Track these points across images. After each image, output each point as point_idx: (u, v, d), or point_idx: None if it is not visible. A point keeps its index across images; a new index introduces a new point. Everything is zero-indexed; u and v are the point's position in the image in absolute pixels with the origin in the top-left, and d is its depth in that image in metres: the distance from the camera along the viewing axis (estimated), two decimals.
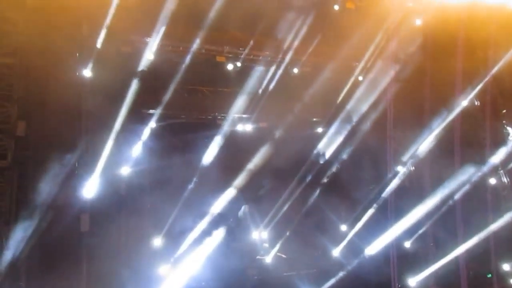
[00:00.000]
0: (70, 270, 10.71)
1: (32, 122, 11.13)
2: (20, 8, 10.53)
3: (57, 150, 11.10)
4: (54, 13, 11.85)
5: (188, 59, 13.52)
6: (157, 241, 13.00)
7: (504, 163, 15.24)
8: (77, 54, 12.33)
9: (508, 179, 15.24)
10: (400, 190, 15.87)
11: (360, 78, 16.10)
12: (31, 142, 11.00)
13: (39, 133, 11.23)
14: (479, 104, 16.29)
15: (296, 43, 14.61)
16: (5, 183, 10.53)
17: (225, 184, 13.91)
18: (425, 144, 15.34)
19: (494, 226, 13.68)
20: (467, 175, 14.25)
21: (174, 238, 13.03)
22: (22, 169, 10.86)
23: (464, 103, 15.43)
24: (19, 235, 10.20)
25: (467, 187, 14.33)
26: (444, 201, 14.56)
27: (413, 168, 16.18)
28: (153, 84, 13.65)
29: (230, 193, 13.82)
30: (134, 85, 12.62)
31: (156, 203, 13.29)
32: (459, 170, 14.37)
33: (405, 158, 16.08)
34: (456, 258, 14.16)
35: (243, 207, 14.25)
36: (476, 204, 14.04)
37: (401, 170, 16.09)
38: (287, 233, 14.64)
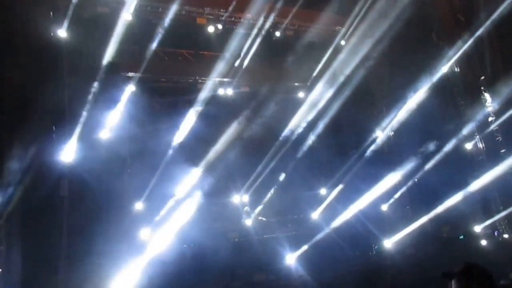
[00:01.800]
0: (51, 235, 10.69)
1: (6, 85, 10.76)
2: None
3: (34, 113, 10.82)
4: None
5: (167, 20, 13.11)
6: (138, 205, 13.06)
7: (480, 129, 15.56)
8: (51, 14, 11.84)
9: (483, 145, 15.62)
10: (379, 155, 16.18)
11: (343, 42, 16.02)
12: (6, 106, 10.68)
13: (14, 97, 10.90)
14: (458, 70, 16.44)
15: (278, 6, 14.32)
16: None
17: (205, 148, 13.91)
18: (404, 109, 15.52)
19: (468, 190, 14.12)
20: (443, 140, 14.56)
21: (155, 202, 13.08)
22: None
23: (444, 69, 15.54)
24: None
25: (443, 152, 14.65)
26: (420, 166, 14.91)
27: (392, 133, 16.46)
28: (132, 46, 13.32)
29: (210, 157, 13.85)
30: (112, 47, 12.24)
31: (137, 168, 13.26)
32: (436, 135, 14.65)
33: (384, 123, 16.31)
34: (431, 221, 14.68)
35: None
36: (452, 169, 14.40)
37: (380, 135, 16.37)
38: (268, 197, 14.88)
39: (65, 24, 11.73)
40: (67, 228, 10.63)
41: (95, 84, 11.96)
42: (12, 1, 11.11)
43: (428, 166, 14.68)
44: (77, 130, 11.52)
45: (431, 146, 14.64)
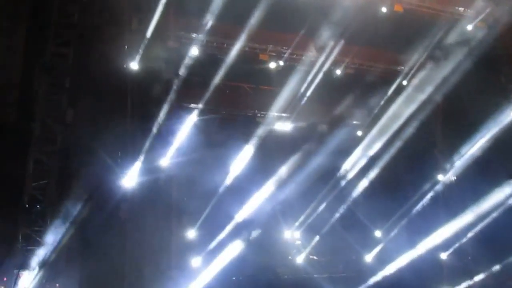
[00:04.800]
0: (108, 255, 11.08)
1: (80, 110, 11.57)
2: (76, 1, 10.94)
3: (102, 138, 11.51)
4: (107, 6, 12.30)
5: (231, 56, 13.61)
6: (191, 234, 13.26)
7: None
8: (126, 47, 12.68)
9: None
10: (439, 199, 15.47)
11: (405, 82, 15.76)
12: (78, 130, 11.44)
13: (86, 121, 11.68)
14: None
15: (340, 44, 14.43)
16: (51, 166, 11.00)
17: (261, 181, 13.98)
18: (469, 153, 14.85)
19: None
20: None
21: (209, 231, 13.24)
22: (68, 154, 11.31)
23: None
24: (62, 217, 10.65)
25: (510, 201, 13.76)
26: (485, 214, 14.05)
27: (455, 178, 15.71)
28: (196, 79, 13.88)
29: (265, 191, 13.89)
30: (178, 79, 12.85)
31: (193, 196, 13.55)
32: (503, 183, 13.80)
33: (446, 166, 15.65)
34: (495, 275, 13.66)
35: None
36: None
37: (442, 179, 15.67)
38: (320, 235, 14.57)
39: (138, 57, 12.45)
40: (124, 251, 10.97)
41: (160, 114, 12.52)
42: (92, 34, 12.06)
43: (494, 214, 13.79)
44: (141, 157, 12.03)
45: (497, 194, 13.79)
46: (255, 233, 13.79)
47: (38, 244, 10.54)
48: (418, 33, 14.82)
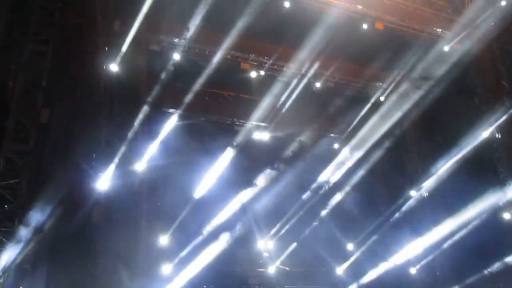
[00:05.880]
0: (76, 260, 10.84)
1: (56, 110, 11.33)
2: None
3: (77, 140, 11.29)
4: (89, 6, 12.15)
5: (213, 63, 13.63)
6: (163, 240, 13.11)
7: None
8: (106, 49, 12.52)
9: None
10: (411, 214, 15.75)
11: (382, 99, 16.09)
12: (53, 130, 11.20)
13: (62, 122, 11.44)
14: (500, 136, 16.09)
15: (321, 58, 14.65)
16: (24, 167, 10.71)
17: (236, 190, 13.96)
18: (441, 171, 15.21)
19: (506, 261, 13.47)
20: (481, 208, 14.04)
21: (181, 238, 13.11)
22: (41, 155, 11.04)
23: (484, 134, 15.25)
24: (33, 220, 10.38)
25: (481, 219, 14.12)
26: (454, 231, 14.38)
27: (427, 194, 16.05)
28: (177, 84, 13.83)
29: (240, 199, 13.88)
30: (158, 84, 12.77)
31: (167, 202, 13.42)
32: (474, 202, 14.17)
33: (420, 182, 15.96)
34: None
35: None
36: (488, 238, 13.78)
37: (414, 194, 15.98)
38: (293, 246, 14.62)
39: (118, 59, 12.30)
40: (95, 255, 10.75)
41: (138, 117, 12.38)
42: (73, 34, 11.87)
43: (463, 232, 14.12)
44: (116, 160, 11.84)
45: (467, 211, 14.14)
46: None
47: (4, 245, 10.21)
48: (397, 51, 15.18)
